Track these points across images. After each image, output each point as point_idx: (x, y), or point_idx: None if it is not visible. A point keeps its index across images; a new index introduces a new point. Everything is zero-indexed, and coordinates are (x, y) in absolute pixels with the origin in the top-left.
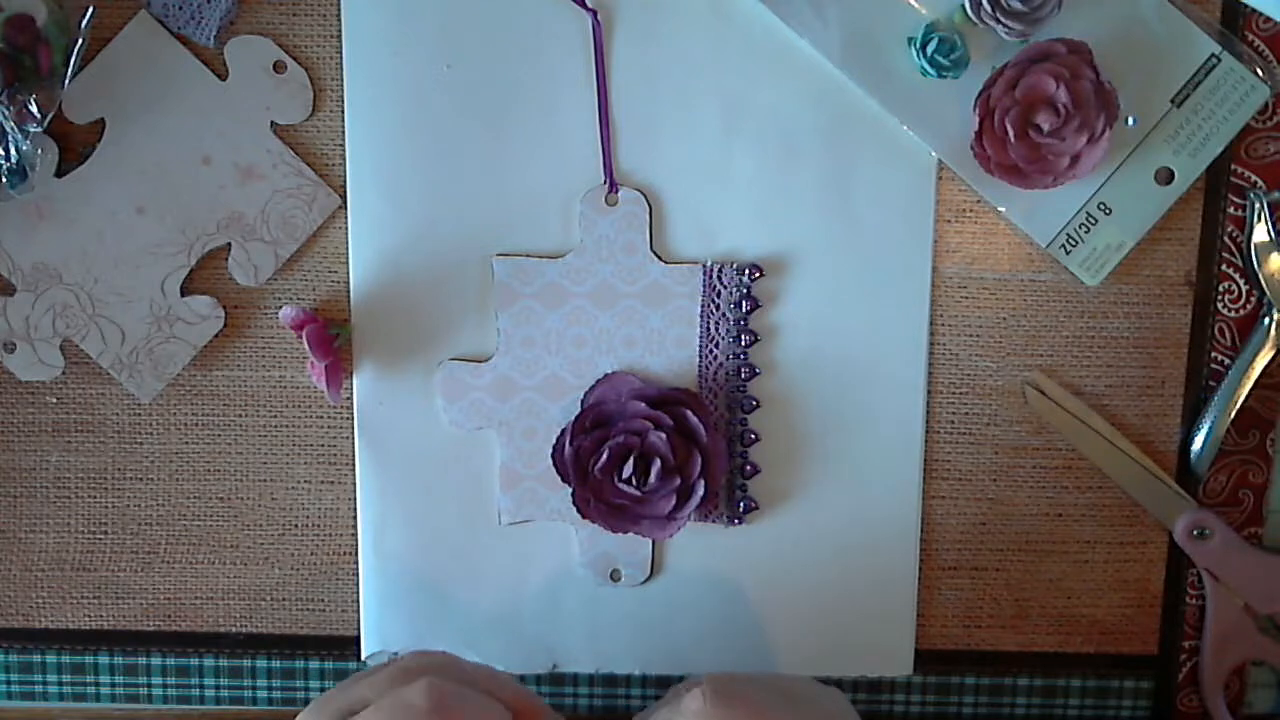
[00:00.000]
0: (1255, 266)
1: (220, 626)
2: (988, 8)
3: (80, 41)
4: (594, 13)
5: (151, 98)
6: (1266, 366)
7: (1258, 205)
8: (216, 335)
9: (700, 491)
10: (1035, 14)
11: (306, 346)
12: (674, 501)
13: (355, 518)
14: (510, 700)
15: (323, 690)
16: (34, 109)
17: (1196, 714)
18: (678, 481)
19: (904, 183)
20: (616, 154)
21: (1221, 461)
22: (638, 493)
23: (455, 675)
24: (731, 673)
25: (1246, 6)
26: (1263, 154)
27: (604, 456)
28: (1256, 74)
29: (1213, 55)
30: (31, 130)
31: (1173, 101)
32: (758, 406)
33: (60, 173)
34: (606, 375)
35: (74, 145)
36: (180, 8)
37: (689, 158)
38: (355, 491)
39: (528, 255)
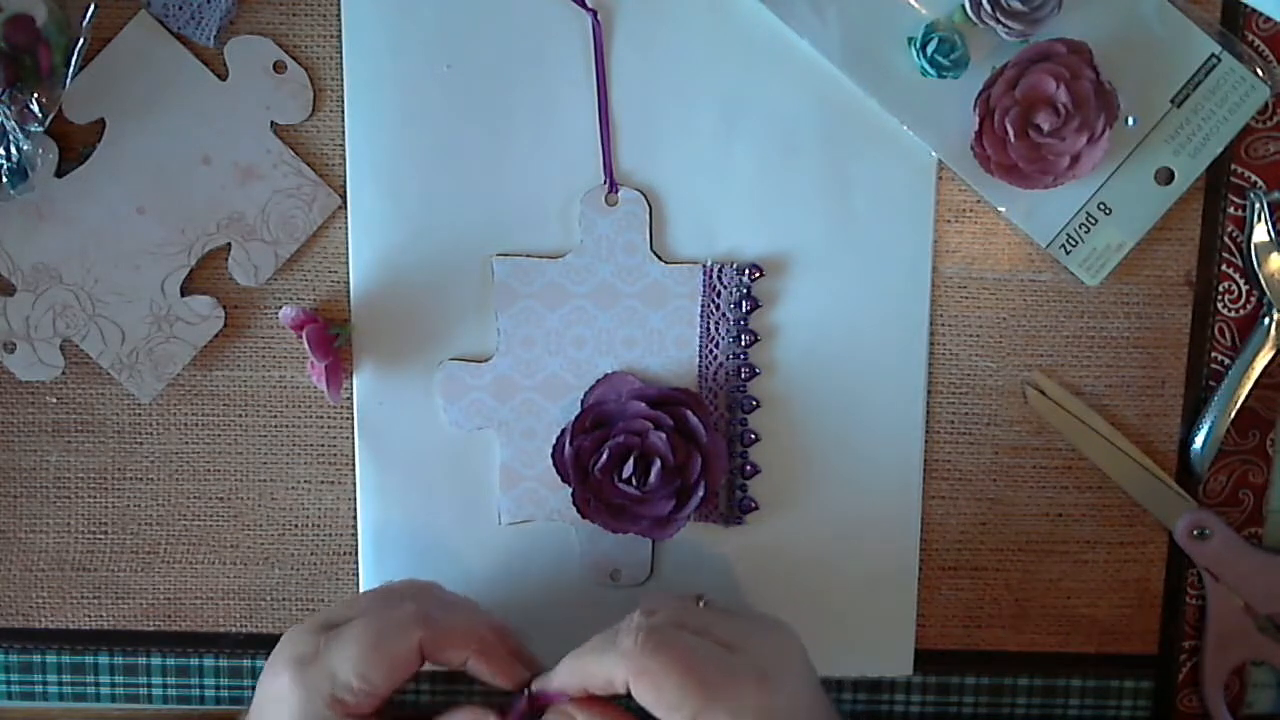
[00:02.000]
0: (1255, 266)
1: (220, 626)
2: (988, 8)
3: (82, 41)
4: (594, 13)
5: (151, 98)
6: (1266, 366)
7: (1258, 205)
8: (216, 335)
9: (700, 492)
10: (1035, 14)
11: (306, 346)
12: (674, 502)
13: (355, 518)
14: (490, 631)
15: None
16: (35, 109)
17: (1196, 714)
18: (678, 482)
19: (904, 183)
20: (616, 154)
21: (1221, 461)
22: (638, 493)
23: (439, 599)
24: (679, 603)
25: (1246, 6)
26: (1263, 154)
27: (604, 456)
28: (1256, 74)
29: (1213, 55)
30: (32, 130)
31: (1173, 101)
32: (758, 406)
33: (60, 173)
34: (606, 375)
35: (74, 145)
36: (180, 8)
37: (689, 158)
38: (355, 491)
39: (528, 255)
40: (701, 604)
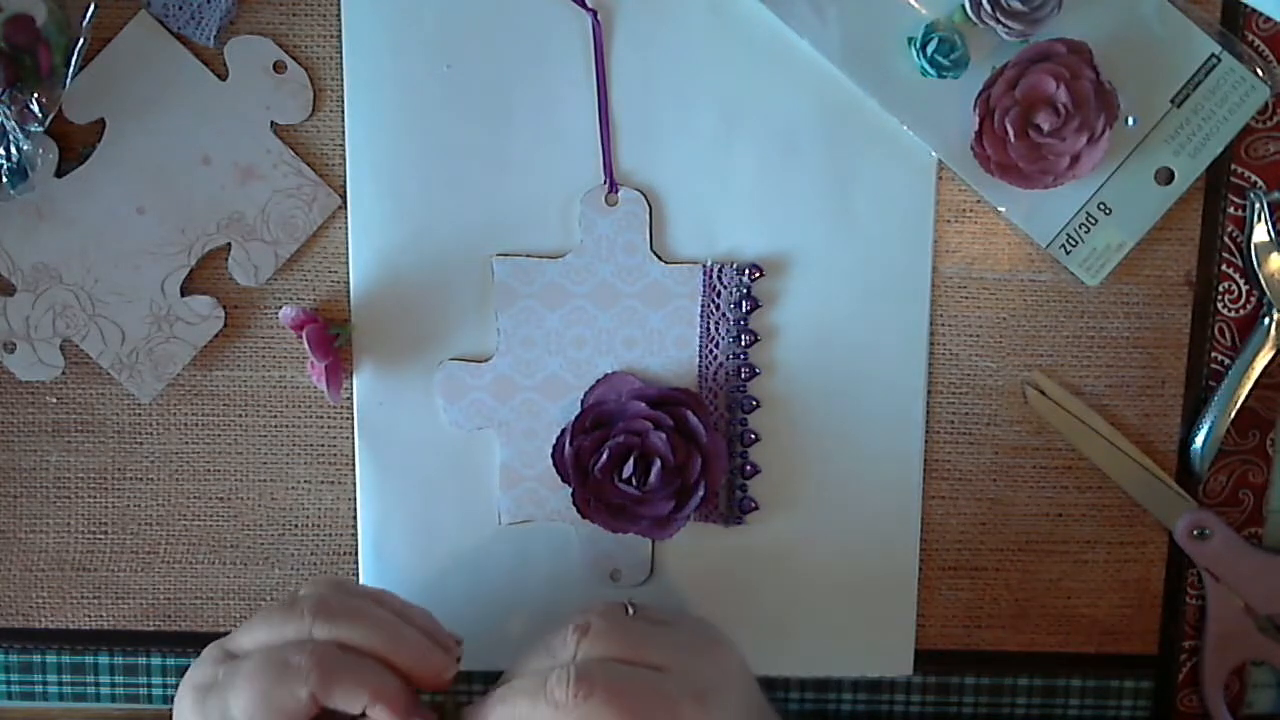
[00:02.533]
0: (1255, 266)
1: (220, 626)
2: (988, 8)
3: (82, 41)
4: (594, 13)
5: (151, 98)
6: (1266, 366)
7: (1258, 205)
8: (216, 335)
9: (700, 492)
10: (1035, 14)
11: (306, 346)
12: (674, 502)
13: (355, 518)
14: (394, 658)
15: None
16: (35, 109)
17: (1196, 714)
18: (678, 482)
19: (904, 183)
20: (616, 154)
21: (1221, 461)
22: (638, 493)
23: (345, 630)
24: (610, 614)
25: (1246, 6)
26: (1263, 154)
27: (604, 456)
28: (1256, 74)
29: (1213, 55)
30: (32, 130)
31: (1173, 101)
32: (758, 406)
33: (60, 173)
34: (606, 375)
35: (74, 145)
36: (180, 8)
37: (689, 158)
38: (355, 491)
39: (528, 255)
40: (631, 610)
